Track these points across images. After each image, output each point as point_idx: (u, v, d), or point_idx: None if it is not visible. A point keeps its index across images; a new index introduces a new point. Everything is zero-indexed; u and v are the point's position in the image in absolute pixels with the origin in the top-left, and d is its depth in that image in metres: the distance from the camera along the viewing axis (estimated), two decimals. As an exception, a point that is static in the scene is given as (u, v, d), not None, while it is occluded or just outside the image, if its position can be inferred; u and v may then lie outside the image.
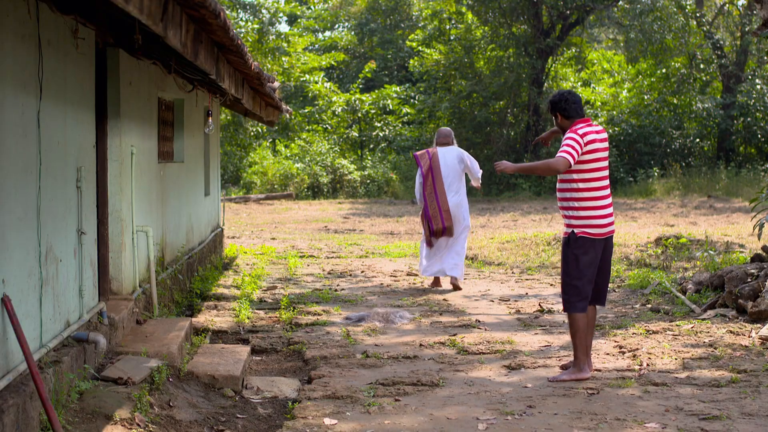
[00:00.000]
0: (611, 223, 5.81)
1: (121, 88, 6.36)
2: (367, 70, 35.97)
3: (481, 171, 9.46)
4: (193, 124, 9.64)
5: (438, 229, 9.19)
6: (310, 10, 42.70)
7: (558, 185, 5.95)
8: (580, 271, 5.74)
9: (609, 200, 5.83)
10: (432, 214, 9.19)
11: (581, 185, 5.75)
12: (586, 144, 5.68)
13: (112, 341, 5.76)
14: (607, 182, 5.83)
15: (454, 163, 9.23)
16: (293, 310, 8.32)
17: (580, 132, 5.70)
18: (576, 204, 5.78)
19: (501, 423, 4.81)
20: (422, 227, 9.48)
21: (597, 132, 5.78)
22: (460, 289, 9.43)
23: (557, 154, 5.71)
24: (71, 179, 5.11)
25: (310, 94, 33.29)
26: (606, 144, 5.83)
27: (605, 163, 5.80)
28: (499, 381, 5.74)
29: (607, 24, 34.63)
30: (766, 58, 29.16)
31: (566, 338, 7.05)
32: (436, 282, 9.70)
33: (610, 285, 9.65)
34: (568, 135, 5.73)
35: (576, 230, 5.76)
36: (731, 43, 30.84)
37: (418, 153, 9.47)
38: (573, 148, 5.65)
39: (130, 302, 6.40)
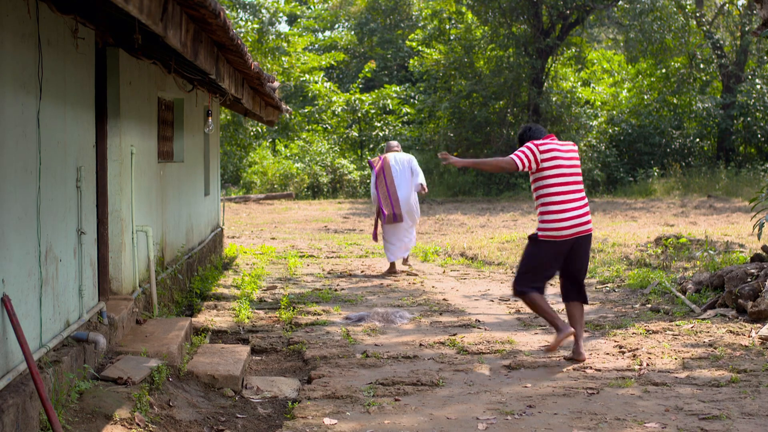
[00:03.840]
0: (578, 225, 6.17)
1: (120, 87, 6.36)
2: (367, 70, 35.97)
3: (423, 181, 10.88)
4: (193, 124, 9.64)
5: (390, 214, 10.76)
6: (310, 10, 42.72)
7: (532, 191, 6.39)
8: (535, 265, 6.27)
9: (575, 204, 6.20)
10: (384, 203, 10.79)
11: (543, 191, 6.21)
12: (542, 153, 6.15)
13: (111, 341, 5.76)
14: (573, 188, 6.22)
15: (403, 162, 10.88)
16: (293, 310, 8.32)
17: (537, 143, 6.22)
18: (540, 209, 6.25)
19: (501, 423, 4.81)
20: (376, 222, 11.07)
21: (561, 145, 6.27)
22: (414, 273, 11.08)
23: (509, 155, 6.24)
24: (71, 179, 5.11)
25: (310, 94, 33.29)
26: (572, 155, 6.27)
27: (569, 171, 6.22)
28: (499, 381, 5.74)
29: (607, 24, 34.64)
30: (766, 58, 29.17)
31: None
32: (392, 267, 11.07)
33: (609, 285, 9.72)
34: (524, 144, 6.29)
35: (539, 233, 6.24)
36: (731, 43, 30.84)
37: (372, 159, 11.20)
38: (524, 153, 6.17)
39: (130, 302, 6.40)
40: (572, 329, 6.21)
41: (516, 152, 6.21)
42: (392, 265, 11.09)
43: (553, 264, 6.29)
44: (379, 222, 10.99)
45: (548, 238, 6.18)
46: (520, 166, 6.15)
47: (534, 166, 6.17)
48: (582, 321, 6.37)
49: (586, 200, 6.29)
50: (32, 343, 4.38)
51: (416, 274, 10.90)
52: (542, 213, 6.21)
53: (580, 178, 6.29)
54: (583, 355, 6.26)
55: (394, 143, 11.28)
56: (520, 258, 6.48)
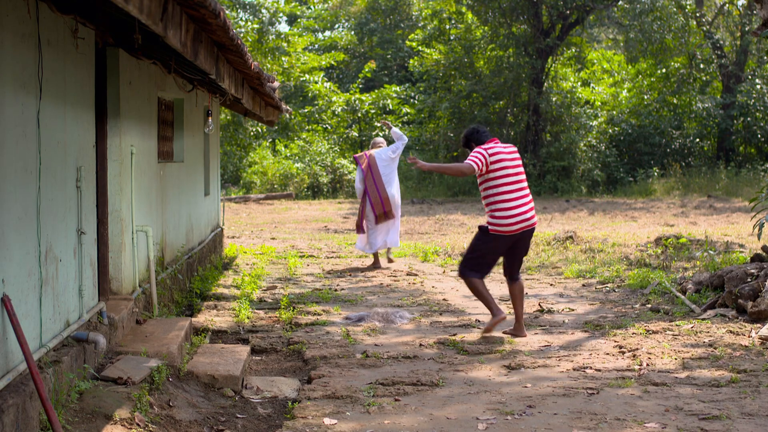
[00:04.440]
0: (524, 221, 6.86)
1: (120, 87, 6.36)
2: (366, 70, 35.96)
3: (398, 147, 11.16)
4: (193, 124, 9.64)
5: (380, 213, 11.10)
6: (310, 10, 42.72)
7: (481, 195, 7.04)
8: (482, 253, 7.00)
9: (521, 202, 6.88)
10: (374, 201, 11.08)
11: (492, 191, 6.87)
12: (490, 155, 6.83)
13: (111, 341, 5.76)
14: (518, 187, 6.90)
15: (387, 156, 11.18)
16: (293, 310, 8.32)
17: (485, 147, 6.90)
18: (490, 207, 6.89)
19: (501, 423, 4.80)
20: (362, 215, 11.26)
21: (504, 148, 6.97)
22: (393, 261, 11.72)
23: (465, 161, 6.86)
24: (71, 179, 5.11)
25: (310, 94, 33.28)
26: (515, 156, 6.97)
27: (514, 171, 6.90)
28: (499, 381, 5.74)
29: (606, 24, 34.63)
30: (766, 58, 29.17)
31: (566, 338, 7.06)
32: (377, 261, 11.48)
33: (609, 285, 9.73)
34: (475, 149, 6.92)
35: (489, 227, 6.90)
36: (731, 43, 30.84)
37: (358, 155, 11.41)
38: (477, 158, 6.82)
39: (130, 302, 6.40)
40: (505, 314, 7.05)
41: (471, 157, 6.84)
42: (376, 259, 11.50)
43: (497, 254, 7.06)
44: (366, 215, 11.21)
45: (498, 233, 6.87)
46: (477, 170, 6.80)
47: (484, 168, 6.83)
48: (522, 299, 7.10)
49: (530, 197, 7.00)
50: (32, 343, 4.38)
51: (416, 274, 10.90)
52: (492, 210, 6.86)
53: (523, 177, 6.99)
54: (524, 331, 7.09)
55: (380, 140, 11.66)
56: (468, 244, 7.16)
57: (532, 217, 6.92)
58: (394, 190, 11.18)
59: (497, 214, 6.83)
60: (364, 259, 12.54)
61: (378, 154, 11.24)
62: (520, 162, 6.99)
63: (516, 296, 7.08)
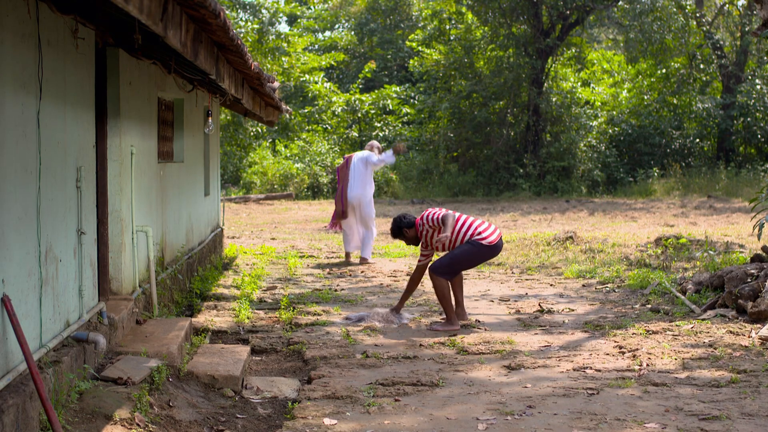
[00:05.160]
0: (495, 231, 7.62)
1: (120, 88, 6.36)
2: (366, 70, 35.96)
3: (380, 160, 11.67)
4: (193, 124, 9.64)
5: (338, 210, 11.72)
6: (310, 10, 42.72)
7: (449, 247, 7.62)
8: (466, 264, 7.63)
9: (486, 223, 7.66)
10: (336, 200, 11.77)
11: (462, 231, 7.51)
12: (432, 222, 7.55)
13: (111, 341, 5.76)
14: (467, 214, 7.83)
15: (360, 164, 11.71)
16: (293, 310, 8.31)
17: (425, 221, 7.61)
18: (468, 236, 7.49)
19: (501, 423, 4.80)
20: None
21: (432, 211, 7.62)
22: (368, 263, 11.82)
23: (441, 238, 7.38)
24: (71, 179, 5.11)
25: (310, 94, 33.28)
26: (439, 208, 7.77)
27: (452, 210, 7.68)
28: (499, 381, 5.74)
29: (607, 24, 34.64)
30: (766, 58, 29.17)
31: (566, 338, 7.06)
32: (348, 257, 12.01)
33: (609, 285, 9.74)
34: (428, 224, 7.59)
35: (484, 242, 7.48)
36: (731, 43, 30.84)
37: (346, 155, 12.03)
38: (422, 247, 7.75)
39: (130, 302, 6.40)
40: (460, 324, 7.56)
41: (421, 257, 7.75)
42: (347, 255, 12.06)
43: (474, 264, 7.72)
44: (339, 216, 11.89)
45: (492, 243, 7.51)
46: (431, 250, 7.65)
47: (432, 241, 7.56)
48: (462, 285, 7.85)
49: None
50: (32, 343, 4.38)
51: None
52: (473, 236, 7.48)
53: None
54: (467, 315, 7.80)
55: (375, 143, 12.16)
56: (459, 256, 7.51)
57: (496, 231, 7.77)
58: (357, 191, 11.63)
59: (481, 234, 7.51)
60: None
61: (358, 156, 11.81)
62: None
63: (458, 284, 7.79)
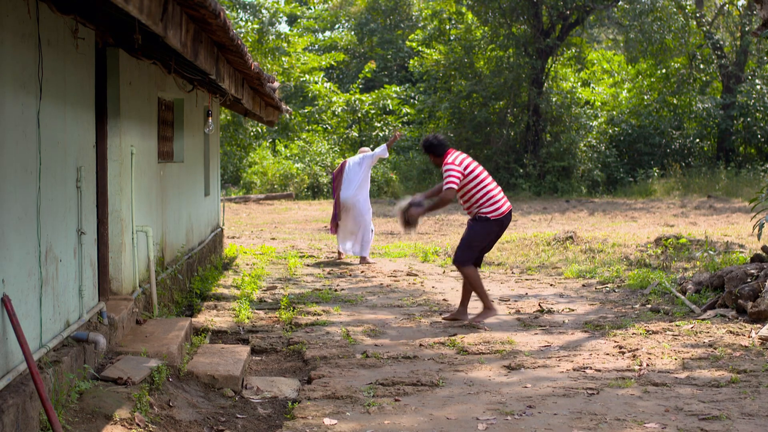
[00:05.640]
0: (504, 205, 7.69)
1: (121, 88, 6.35)
2: (367, 70, 35.95)
3: (375, 154, 12.03)
4: (193, 124, 9.64)
5: (334, 213, 12.20)
6: (310, 11, 42.72)
7: (461, 201, 7.78)
8: (480, 242, 7.73)
9: (499, 188, 7.80)
10: (335, 202, 12.14)
11: (475, 190, 7.63)
12: (465, 168, 7.61)
13: (111, 341, 5.76)
14: (491, 178, 7.77)
15: (356, 166, 12.04)
16: (293, 310, 8.31)
17: (449, 160, 7.65)
18: (480, 202, 7.63)
19: (501, 423, 4.80)
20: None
21: (460, 154, 7.75)
22: (368, 263, 12.04)
23: (444, 186, 7.60)
24: (71, 179, 5.11)
25: (310, 94, 33.27)
26: (466, 156, 7.79)
27: (481, 169, 7.75)
28: (499, 381, 5.74)
29: (607, 24, 34.64)
30: (766, 58, 29.17)
31: (566, 338, 7.06)
32: (339, 255, 12.52)
33: (609, 285, 9.73)
34: (445, 167, 7.62)
35: (490, 215, 7.62)
36: (731, 43, 30.84)
37: (342, 162, 12.56)
38: (453, 177, 7.57)
39: (130, 302, 6.40)
40: (497, 310, 7.85)
41: (447, 180, 7.57)
42: (339, 253, 12.52)
43: (491, 240, 7.81)
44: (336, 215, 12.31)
45: (498, 217, 7.63)
46: (458, 185, 7.59)
47: (462, 179, 7.59)
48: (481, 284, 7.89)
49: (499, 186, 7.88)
50: (32, 343, 4.38)
51: (416, 275, 10.90)
52: (483, 204, 7.62)
53: (486, 171, 7.83)
54: (467, 316, 7.87)
55: (364, 149, 12.54)
56: (470, 236, 7.71)
57: (508, 199, 7.89)
58: (351, 192, 11.92)
59: (490, 203, 7.63)
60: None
61: (351, 160, 12.27)
62: (475, 161, 7.90)
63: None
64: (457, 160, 7.66)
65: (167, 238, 8.15)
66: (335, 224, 12.22)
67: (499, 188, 7.84)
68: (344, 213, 11.97)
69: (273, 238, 15.76)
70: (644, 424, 4.72)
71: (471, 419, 4.87)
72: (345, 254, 12.49)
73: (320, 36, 42.09)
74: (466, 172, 7.62)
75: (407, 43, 35.37)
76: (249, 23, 25.91)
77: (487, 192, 7.66)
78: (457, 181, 7.56)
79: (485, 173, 7.79)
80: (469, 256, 7.72)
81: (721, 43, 30.43)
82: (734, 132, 29.80)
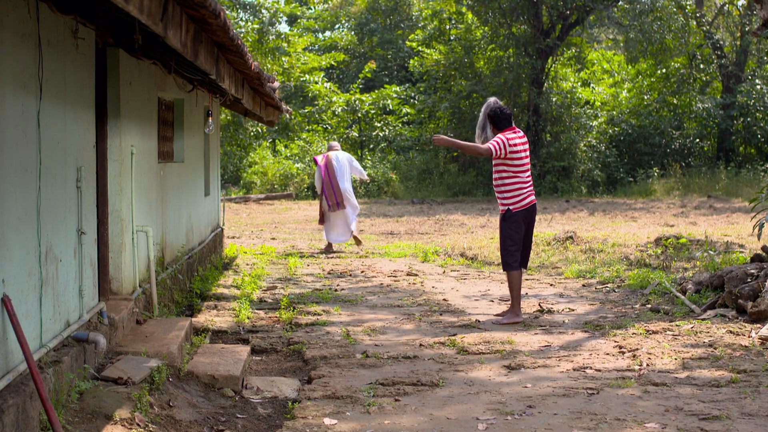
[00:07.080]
0: (531, 194, 7.85)
1: (121, 88, 6.36)
2: (367, 70, 35.95)
3: (365, 171, 13.84)
4: (193, 124, 9.64)
5: (333, 203, 13.17)
6: (310, 11, 42.72)
7: (494, 176, 7.89)
8: (516, 238, 7.80)
9: (528, 182, 7.85)
10: (328, 194, 13.20)
11: (505, 174, 7.75)
12: (511, 146, 7.69)
13: (112, 341, 5.76)
14: (526, 169, 7.82)
15: (344, 160, 13.40)
16: (293, 310, 8.32)
17: (508, 136, 7.74)
18: (504, 188, 7.78)
19: (501, 423, 4.80)
20: (320, 208, 13.37)
21: (519, 137, 7.82)
22: (360, 242, 13.74)
23: (486, 144, 7.71)
24: (71, 179, 5.11)
25: (310, 94, 33.27)
26: (526, 146, 7.87)
27: (524, 155, 7.81)
28: (499, 381, 5.74)
29: (607, 24, 34.63)
30: (766, 58, 29.17)
31: (566, 338, 7.06)
32: (329, 247, 13.50)
33: (609, 285, 9.72)
34: (498, 135, 7.76)
35: (510, 208, 7.77)
36: (731, 43, 30.84)
37: (317, 156, 13.56)
38: (498, 144, 7.66)
39: (130, 302, 6.40)
40: (523, 319, 7.81)
41: (492, 143, 7.65)
42: (329, 245, 13.50)
43: (522, 234, 7.84)
44: (325, 208, 13.30)
45: (518, 209, 7.75)
46: (494, 155, 7.65)
47: (502, 154, 7.67)
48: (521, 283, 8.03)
49: (531, 177, 7.96)
50: (32, 343, 4.38)
51: (416, 275, 10.91)
52: (506, 191, 7.77)
53: (528, 161, 7.89)
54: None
55: (335, 144, 13.81)
56: (503, 237, 7.85)
57: (533, 193, 7.97)
58: (346, 184, 13.27)
59: (512, 193, 7.76)
60: (364, 259, 12.56)
61: (335, 155, 13.36)
62: (528, 148, 7.91)
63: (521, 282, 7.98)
64: (510, 136, 7.73)
65: (167, 238, 8.15)
66: (323, 212, 13.32)
67: (530, 183, 7.92)
68: (345, 202, 13.19)
69: (273, 238, 15.76)
70: (644, 424, 4.72)
71: (471, 419, 4.88)
72: (334, 244, 13.57)
73: (320, 36, 42.09)
74: (510, 150, 7.68)
75: (407, 43, 35.38)
76: (249, 23, 25.91)
77: (518, 181, 7.75)
78: (498, 149, 7.62)
79: (527, 164, 7.84)
80: (511, 259, 7.79)
81: (721, 43, 30.43)
82: (734, 132, 29.80)
